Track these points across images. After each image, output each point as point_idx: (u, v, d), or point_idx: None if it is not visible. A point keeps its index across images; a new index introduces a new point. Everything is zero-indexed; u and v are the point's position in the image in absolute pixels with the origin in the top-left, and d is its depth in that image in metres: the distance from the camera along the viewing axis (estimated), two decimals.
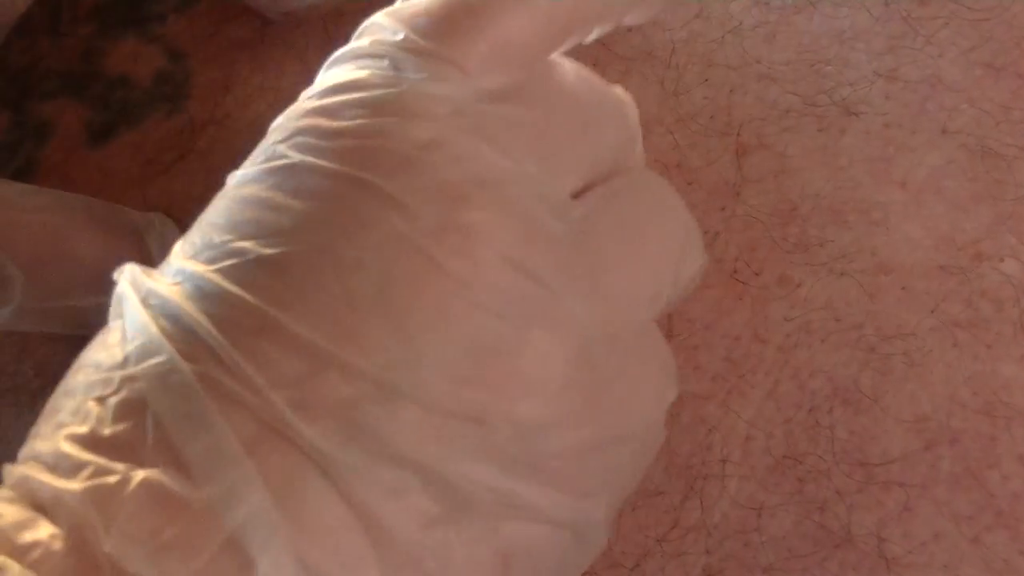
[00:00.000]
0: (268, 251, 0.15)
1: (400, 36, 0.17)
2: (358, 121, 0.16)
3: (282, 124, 0.17)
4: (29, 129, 0.39)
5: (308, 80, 0.19)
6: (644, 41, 0.35)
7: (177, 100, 0.39)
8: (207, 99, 0.38)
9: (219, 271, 0.15)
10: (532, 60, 0.18)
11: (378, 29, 0.18)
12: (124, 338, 0.15)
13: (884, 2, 0.34)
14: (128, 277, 0.16)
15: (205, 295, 0.15)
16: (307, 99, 0.17)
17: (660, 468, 0.28)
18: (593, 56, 0.34)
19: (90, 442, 0.14)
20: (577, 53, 0.20)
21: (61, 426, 0.15)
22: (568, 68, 0.20)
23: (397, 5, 0.18)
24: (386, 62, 0.17)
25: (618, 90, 0.21)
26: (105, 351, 0.16)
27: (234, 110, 0.38)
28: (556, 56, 0.20)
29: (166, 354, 0.14)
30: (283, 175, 0.16)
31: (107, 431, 0.14)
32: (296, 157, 0.16)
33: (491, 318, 0.15)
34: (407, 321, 0.15)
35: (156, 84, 0.39)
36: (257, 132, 0.19)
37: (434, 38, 0.17)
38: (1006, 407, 0.27)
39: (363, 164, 0.16)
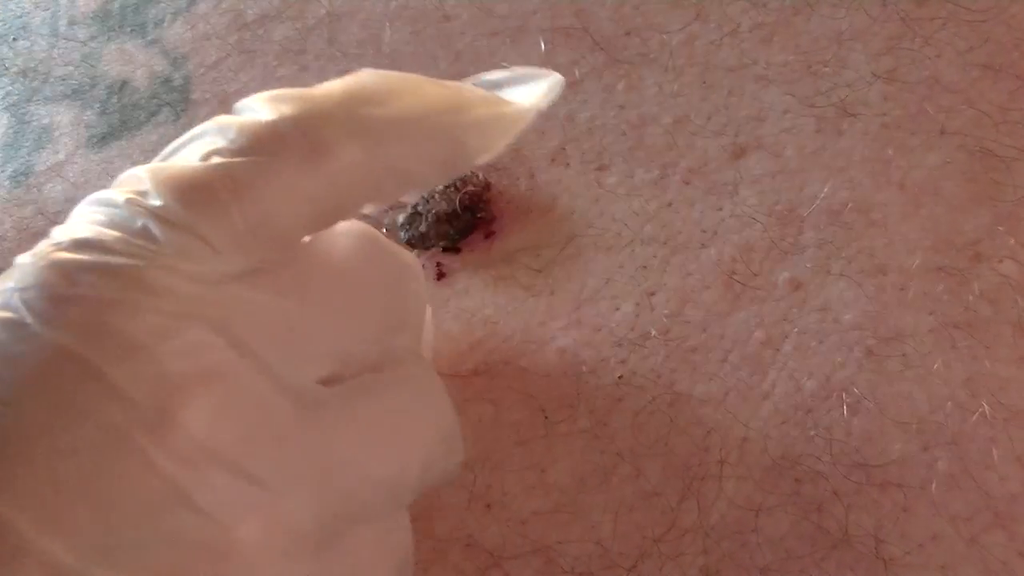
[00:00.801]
0: None
1: (157, 203, 0.17)
2: (94, 292, 0.16)
3: (26, 264, 0.17)
4: (28, 133, 0.40)
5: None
6: (642, 44, 0.35)
7: (176, 104, 0.39)
8: (205, 104, 0.38)
9: None
10: (292, 240, 0.18)
11: (136, 183, 0.17)
12: None
13: (882, 3, 0.34)
14: None
15: None
16: (54, 243, 0.17)
17: (657, 469, 0.28)
18: (590, 63, 0.34)
19: None
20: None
21: None
22: (343, 243, 0.19)
23: (161, 164, 0.18)
24: (139, 225, 0.16)
25: (407, 257, 0.20)
26: None
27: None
28: (338, 226, 0.19)
29: None
30: (9, 333, 0.15)
31: None
32: (25, 316, 0.16)
33: (199, 517, 0.15)
34: (111, 513, 0.15)
35: (155, 88, 0.39)
36: None
37: (190, 209, 0.16)
38: (1004, 408, 0.27)
39: (90, 343, 0.15)
